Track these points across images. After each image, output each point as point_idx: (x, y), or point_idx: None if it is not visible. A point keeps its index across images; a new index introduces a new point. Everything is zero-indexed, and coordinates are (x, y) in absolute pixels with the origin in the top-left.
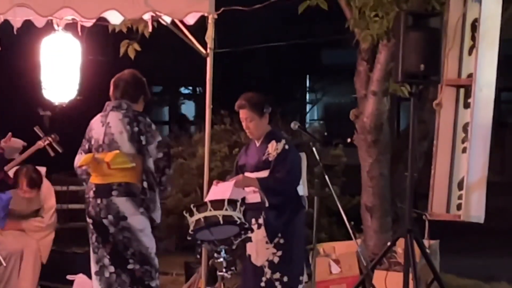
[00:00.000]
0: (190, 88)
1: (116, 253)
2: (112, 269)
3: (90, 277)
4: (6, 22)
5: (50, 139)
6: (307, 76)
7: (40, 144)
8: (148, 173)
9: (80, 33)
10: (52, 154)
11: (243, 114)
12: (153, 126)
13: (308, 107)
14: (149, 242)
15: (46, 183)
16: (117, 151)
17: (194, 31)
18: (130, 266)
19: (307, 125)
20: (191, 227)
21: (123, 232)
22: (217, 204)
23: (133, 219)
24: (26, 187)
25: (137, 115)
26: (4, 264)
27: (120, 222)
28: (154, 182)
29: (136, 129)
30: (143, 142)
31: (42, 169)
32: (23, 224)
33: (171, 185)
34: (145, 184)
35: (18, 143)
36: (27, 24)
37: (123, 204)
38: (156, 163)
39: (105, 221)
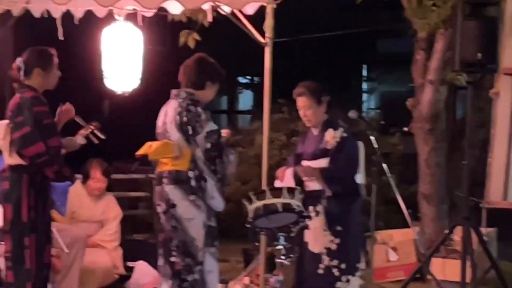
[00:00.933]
0: (248, 77)
1: (164, 243)
2: (162, 257)
3: (150, 264)
4: (68, 12)
5: (92, 127)
6: (364, 65)
7: (83, 133)
8: (196, 163)
9: (140, 23)
10: (96, 142)
11: (301, 102)
12: (203, 116)
13: (364, 96)
14: (195, 233)
15: (108, 195)
16: (164, 141)
17: (251, 20)
18: (172, 259)
19: (363, 114)
20: (250, 215)
21: (170, 221)
22: (276, 192)
23: (181, 206)
24: (100, 176)
25: (189, 104)
26: (67, 251)
27: (170, 210)
28: (204, 171)
29: (184, 119)
30: (190, 132)
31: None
32: (91, 240)
33: (229, 172)
34: (191, 173)
35: (79, 140)
36: (88, 14)
37: (172, 191)
38: (206, 153)
39: (158, 208)
